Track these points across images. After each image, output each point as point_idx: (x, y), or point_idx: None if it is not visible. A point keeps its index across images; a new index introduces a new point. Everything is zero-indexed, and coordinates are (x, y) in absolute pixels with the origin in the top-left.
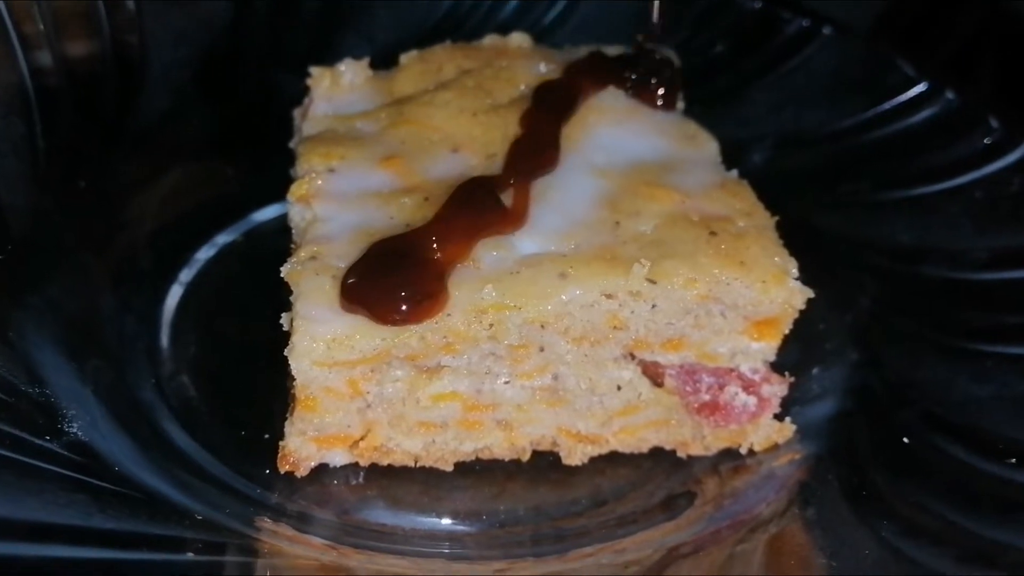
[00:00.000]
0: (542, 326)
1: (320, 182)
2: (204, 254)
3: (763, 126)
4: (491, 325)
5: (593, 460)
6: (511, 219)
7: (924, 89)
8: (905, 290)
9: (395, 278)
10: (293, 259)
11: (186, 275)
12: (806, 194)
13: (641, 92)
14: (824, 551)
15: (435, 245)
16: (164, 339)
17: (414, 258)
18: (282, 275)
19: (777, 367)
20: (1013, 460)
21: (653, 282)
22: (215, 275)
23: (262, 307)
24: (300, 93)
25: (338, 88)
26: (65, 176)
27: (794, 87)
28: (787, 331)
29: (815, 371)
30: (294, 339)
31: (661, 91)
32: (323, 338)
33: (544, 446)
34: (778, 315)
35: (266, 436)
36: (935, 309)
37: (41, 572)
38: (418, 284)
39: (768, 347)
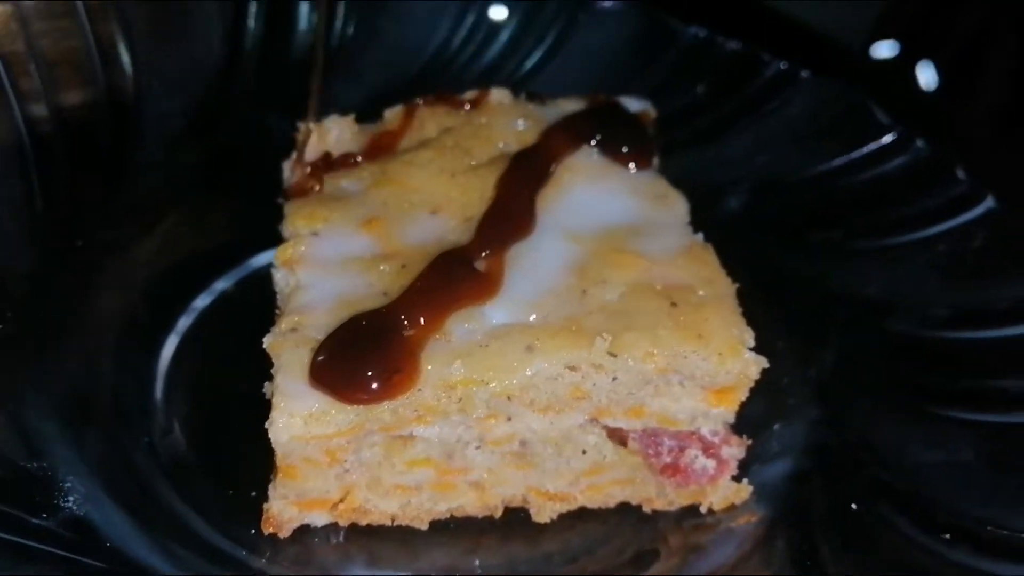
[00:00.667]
0: (508, 398)
1: (303, 248)
2: (201, 302)
3: (740, 169)
4: (460, 399)
5: (562, 516)
6: (484, 289)
7: (896, 137)
8: (868, 346)
9: (362, 358)
10: (275, 329)
11: (183, 323)
12: (779, 241)
13: (614, 152)
14: None
15: (408, 320)
16: (158, 394)
17: (387, 334)
18: (264, 346)
19: (740, 421)
20: (947, 536)
21: (614, 355)
22: (212, 324)
23: (256, 359)
24: (291, 137)
25: (324, 144)
26: (63, 236)
27: (771, 131)
28: (744, 398)
29: (776, 427)
30: (273, 414)
31: (632, 152)
32: (300, 414)
33: (515, 503)
34: (734, 384)
35: (253, 494)
36: (895, 367)
37: None
38: (388, 361)
39: (727, 411)
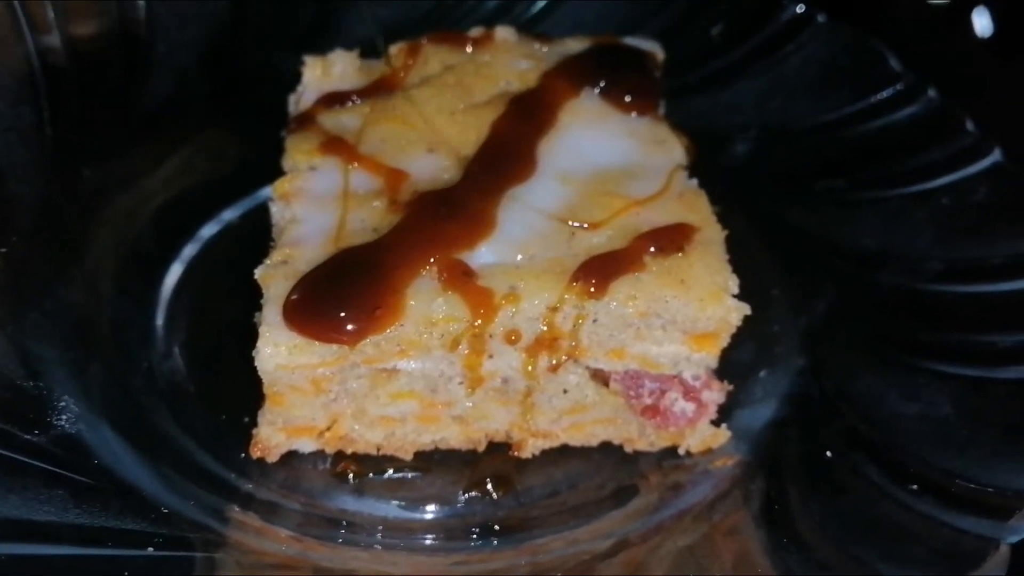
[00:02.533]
0: (490, 336)
1: (300, 182)
2: (208, 231)
3: (749, 115)
4: (442, 336)
5: (545, 452)
6: (473, 231)
7: (907, 85)
8: (860, 297)
9: (339, 297)
10: (267, 261)
11: (189, 252)
12: (783, 189)
13: (616, 97)
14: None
15: (393, 258)
16: (159, 320)
17: (370, 271)
18: (255, 277)
19: (727, 365)
20: (915, 487)
21: (596, 298)
22: (216, 253)
23: (255, 289)
24: (297, 71)
25: (329, 77)
26: (71, 164)
27: (783, 77)
28: (726, 343)
29: (762, 374)
30: (258, 344)
31: (635, 98)
32: (285, 343)
33: (499, 438)
34: (716, 330)
35: (245, 419)
36: (883, 319)
37: (13, 569)
38: (369, 298)
39: (709, 356)
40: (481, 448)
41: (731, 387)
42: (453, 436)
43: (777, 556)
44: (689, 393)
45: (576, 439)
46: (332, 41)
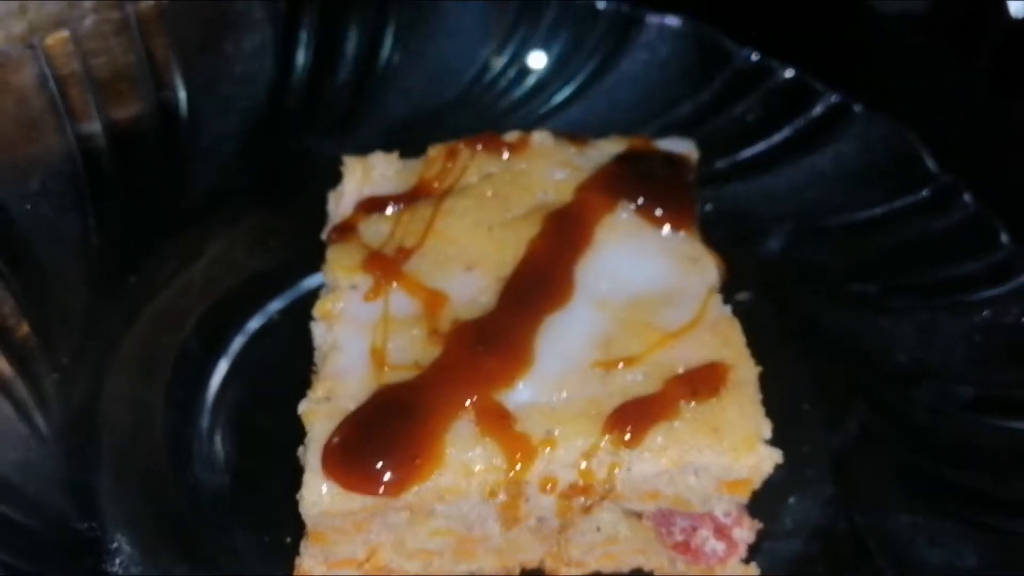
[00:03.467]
0: (527, 483)
1: (341, 303)
2: (255, 323)
3: (785, 206)
4: (480, 484)
5: None
6: (514, 368)
7: (943, 186)
8: (891, 419)
9: (377, 451)
10: (310, 394)
11: (236, 345)
12: (816, 288)
13: (651, 212)
14: None
15: (432, 400)
16: (205, 424)
17: (410, 419)
18: (299, 413)
19: (760, 490)
20: None
21: (630, 447)
22: (263, 348)
23: (302, 389)
24: (337, 159)
25: (369, 180)
26: (117, 272)
27: (819, 168)
28: (758, 487)
29: (791, 500)
30: (303, 491)
31: (670, 214)
32: (328, 491)
33: (532, 565)
34: (748, 477)
35: (287, 540)
36: (914, 447)
37: None
38: (409, 447)
39: (740, 498)
40: (516, 574)
41: (761, 525)
42: (489, 565)
43: None
44: (720, 531)
45: (608, 567)
46: (367, 122)
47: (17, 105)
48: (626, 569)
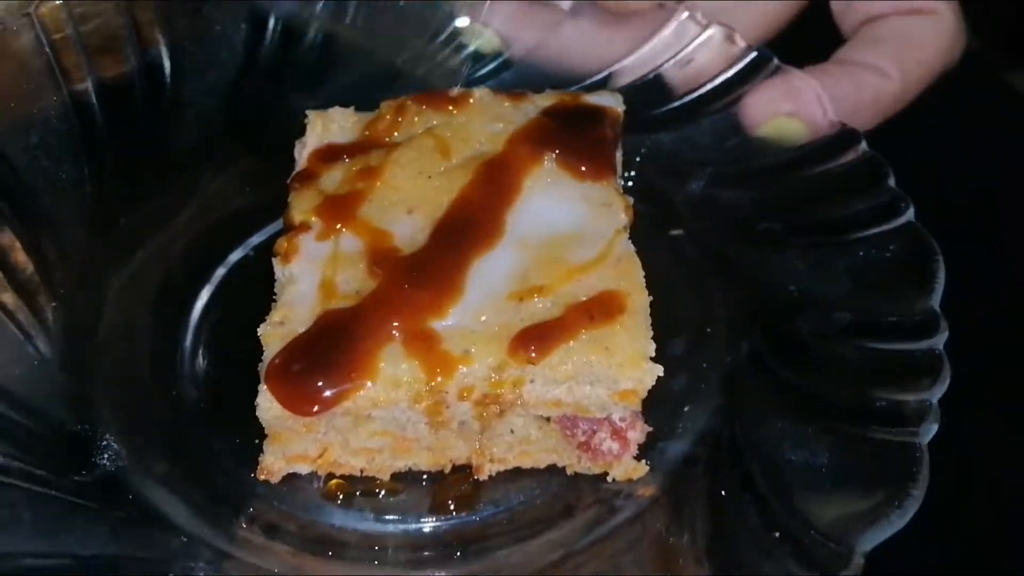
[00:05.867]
0: (446, 393)
1: (296, 241)
2: (236, 256)
3: (709, 152)
4: (406, 394)
5: (501, 474)
6: (443, 299)
7: (842, 133)
8: (779, 343)
9: (315, 371)
10: (269, 319)
11: (218, 275)
12: (729, 226)
13: (571, 164)
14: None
15: (368, 325)
16: (188, 343)
17: (347, 339)
18: (259, 334)
19: (661, 394)
20: (778, 535)
21: (533, 363)
22: (243, 276)
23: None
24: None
25: (328, 132)
26: (109, 215)
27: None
28: (643, 397)
29: (686, 409)
30: (258, 399)
31: (590, 166)
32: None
33: (461, 461)
34: (634, 388)
35: (256, 441)
36: (793, 368)
37: None
38: (345, 367)
39: (632, 406)
40: (447, 470)
41: (651, 428)
42: (423, 461)
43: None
44: (616, 433)
45: (526, 463)
46: (334, 78)
47: (17, 68)
48: (542, 465)
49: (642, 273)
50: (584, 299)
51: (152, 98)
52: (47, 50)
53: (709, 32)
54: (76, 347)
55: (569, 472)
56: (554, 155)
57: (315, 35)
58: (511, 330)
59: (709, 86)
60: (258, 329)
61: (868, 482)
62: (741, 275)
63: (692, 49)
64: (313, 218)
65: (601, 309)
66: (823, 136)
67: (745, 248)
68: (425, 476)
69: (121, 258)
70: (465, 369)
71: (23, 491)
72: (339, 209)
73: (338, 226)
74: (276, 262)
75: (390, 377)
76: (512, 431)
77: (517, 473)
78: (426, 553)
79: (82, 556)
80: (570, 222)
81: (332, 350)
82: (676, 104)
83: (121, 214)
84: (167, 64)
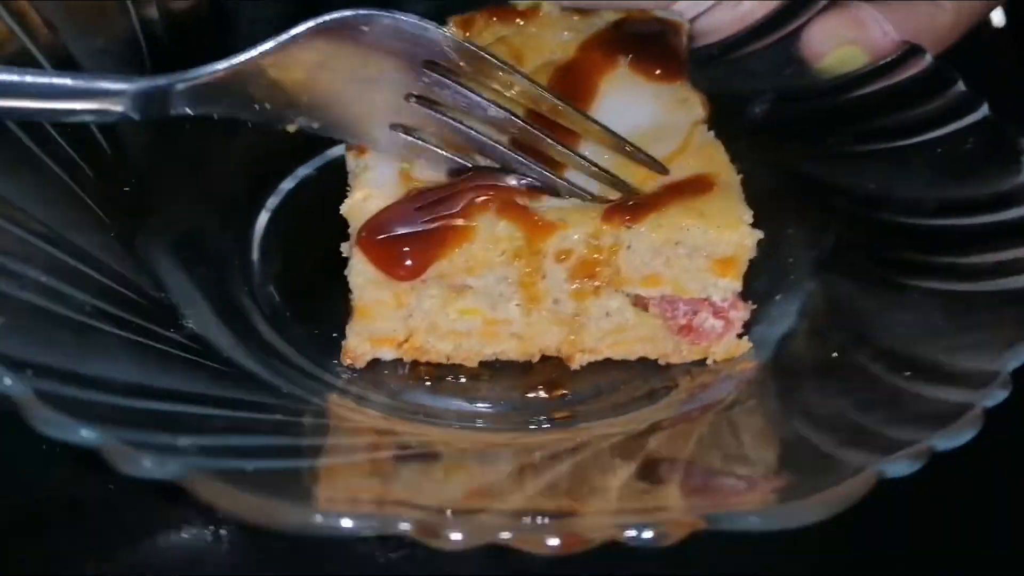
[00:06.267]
0: (543, 256)
1: None
2: (287, 184)
3: (766, 81)
4: (503, 252)
5: (590, 364)
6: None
7: (908, 49)
8: (864, 231)
9: (409, 232)
10: (349, 199)
11: (272, 202)
12: (797, 144)
13: (644, 67)
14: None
15: (461, 197)
16: (255, 255)
17: (441, 204)
18: (341, 212)
19: (747, 292)
20: (908, 373)
21: (628, 227)
22: (296, 203)
23: (335, 227)
24: None
25: None
26: (174, 120)
27: (795, 47)
28: (745, 268)
29: (778, 298)
30: (351, 261)
31: (661, 68)
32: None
33: (550, 352)
34: (734, 255)
35: (334, 335)
36: (884, 249)
37: (170, 420)
38: (441, 228)
39: (732, 282)
40: (535, 360)
41: (755, 306)
42: (512, 349)
43: (789, 427)
44: (718, 313)
45: (618, 354)
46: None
47: None
48: (633, 357)
49: (727, 155)
50: (669, 182)
51: (213, 22)
52: None
53: None
54: (153, 232)
55: (662, 363)
56: (628, 58)
57: None
58: (605, 208)
59: (762, 21)
60: (341, 207)
61: (988, 327)
62: (812, 183)
63: None
64: None
65: (691, 186)
66: (887, 56)
67: (814, 162)
68: (513, 366)
69: (182, 163)
70: (562, 233)
71: (116, 337)
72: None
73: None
74: (349, 155)
75: (488, 234)
76: (608, 314)
77: (607, 364)
78: (515, 426)
79: (184, 391)
80: (648, 119)
81: (426, 213)
82: (728, 39)
83: (184, 120)
84: None
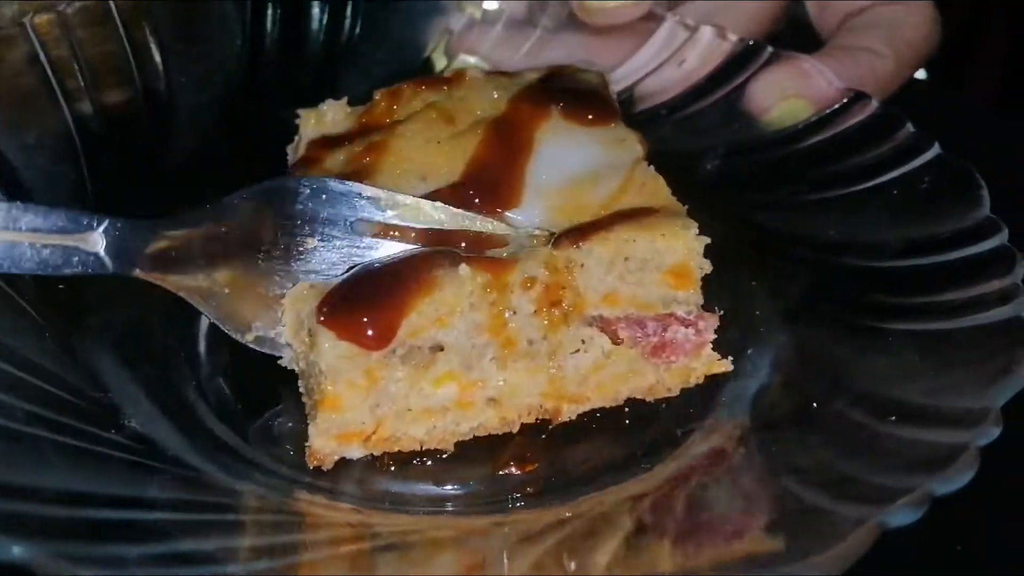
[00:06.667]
0: (511, 290)
1: None
2: None
3: (715, 137)
4: (471, 292)
5: (570, 432)
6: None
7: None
8: (830, 278)
9: (368, 296)
10: (294, 288)
11: None
12: (752, 197)
13: (577, 113)
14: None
15: (413, 260)
16: (201, 347)
17: (394, 271)
18: (284, 302)
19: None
20: (894, 418)
21: (579, 247)
22: None
23: None
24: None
25: (322, 125)
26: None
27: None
28: (699, 276)
29: (749, 352)
30: (319, 341)
31: (595, 112)
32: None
33: (533, 415)
34: (683, 261)
35: (290, 425)
36: (852, 293)
37: (114, 529)
38: (398, 287)
39: (692, 294)
40: (515, 429)
41: (721, 312)
42: (490, 421)
43: (776, 482)
44: (686, 324)
45: (604, 398)
46: (331, 94)
47: (13, 75)
48: (621, 399)
49: (669, 190)
50: (618, 211)
51: (150, 112)
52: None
53: (699, 33)
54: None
55: (650, 400)
56: (559, 106)
57: (312, 50)
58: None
59: (707, 79)
60: (284, 298)
61: (968, 365)
62: (774, 233)
63: (684, 50)
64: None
65: (636, 213)
66: (833, 104)
67: (772, 212)
68: (482, 445)
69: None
70: (522, 263)
71: (52, 442)
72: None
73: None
74: None
75: (453, 279)
76: (583, 343)
77: (582, 433)
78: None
79: (123, 496)
80: (589, 161)
81: (381, 281)
82: (675, 99)
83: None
84: (163, 83)
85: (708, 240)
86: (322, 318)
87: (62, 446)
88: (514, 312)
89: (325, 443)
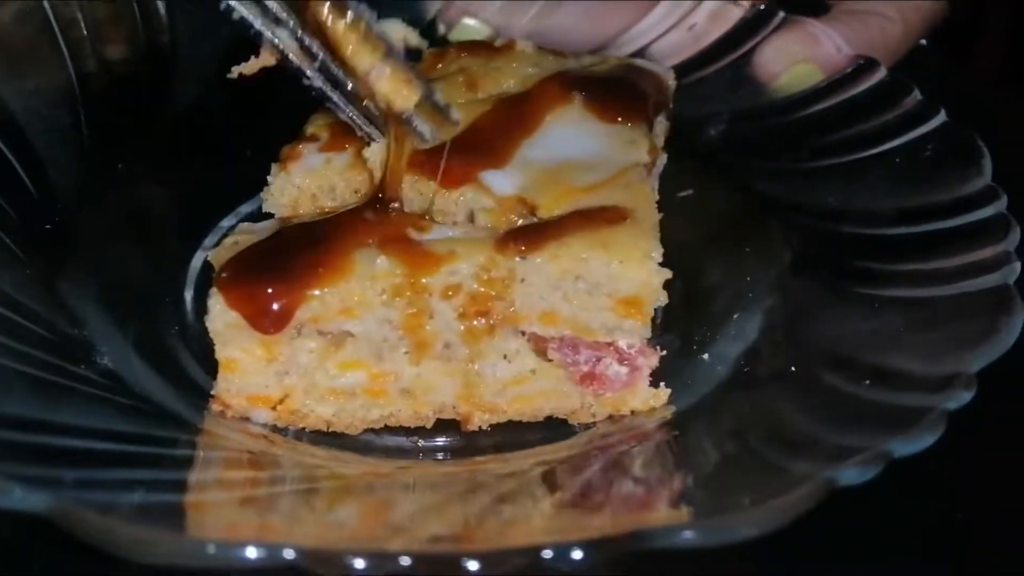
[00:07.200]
0: (429, 294)
1: (299, 148)
2: (227, 222)
3: (721, 103)
4: (383, 291)
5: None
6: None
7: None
8: (823, 245)
9: (274, 270)
10: (220, 245)
11: (210, 241)
12: (753, 164)
13: (601, 107)
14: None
15: (341, 231)
16: (188, 293)
17: (314, 244)
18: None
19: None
20: (867, 382)
21: (523, 258)
22: None
23: None
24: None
25: None
26: (107, 159)
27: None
28: (652, 312)
29: (736, 316)
30: (208, 305)
31: (615, 106)
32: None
33: (446, 414)
34: (638, 294)
35: None
36: (843, 261)
37: (70, 457)
38: (311, 263)
39: (640, 326)
40: (429, 425)
41: (664, 352)
42: (402, 411)
43: (742, 441)
44: (623, 359)
45: (522, 413)
46: None
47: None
48: (540, 416)
49: (654, 199)
50: (583, 210)
51: (152, 64)
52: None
53: None
54: (73, 269)
55: (572, 423)
56: (582, 95)
57: None
58: (498, 236)
59: (717, 43)
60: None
61: (952, 331)
62: (773, 200)
63: (693, 14)
64: (325, 132)
65: (601, 216)
66: (842, 71)
67: (773, 179)
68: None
69: (118, 202)
70: (449, 267)
71: (14, 371)
72: (351, 129)
73: (345, 145)
74: (274, 168)
75: (366, 271)
76: (506, 357)
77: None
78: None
79: (86, 427)
80: (586, 152)
81: (294, 253)
82: (683, 63)
83: (119, 161)
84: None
85: (669, 274)
86: (220, 282)
87: (25, 375)
88: (432, 316)
89: (231, 396)
